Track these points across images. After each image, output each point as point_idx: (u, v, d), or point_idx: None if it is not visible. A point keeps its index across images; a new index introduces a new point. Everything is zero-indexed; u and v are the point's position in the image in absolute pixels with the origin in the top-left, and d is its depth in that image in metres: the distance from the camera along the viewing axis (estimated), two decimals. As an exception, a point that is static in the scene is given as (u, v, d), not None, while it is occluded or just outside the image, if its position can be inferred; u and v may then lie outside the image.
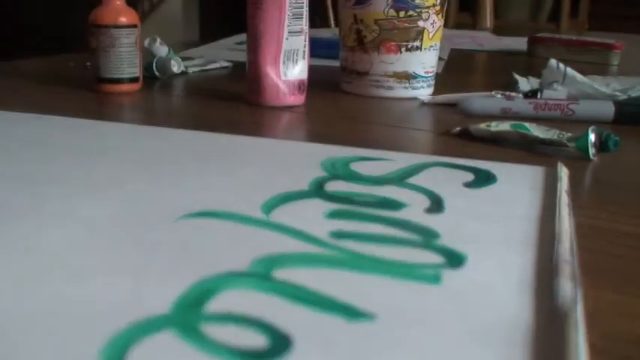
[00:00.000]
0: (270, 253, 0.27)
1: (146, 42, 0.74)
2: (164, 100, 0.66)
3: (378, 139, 0.51)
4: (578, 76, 0.65)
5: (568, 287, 0.24)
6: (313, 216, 0.32)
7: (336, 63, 0.74)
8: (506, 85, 0.71)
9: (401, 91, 0.67)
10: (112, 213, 0.32)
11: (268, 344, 0.21)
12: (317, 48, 0.85)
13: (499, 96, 0.61)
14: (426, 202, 0.35)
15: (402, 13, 0.65)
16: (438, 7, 0.66)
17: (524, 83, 0.70)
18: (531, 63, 1.03)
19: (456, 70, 0.91)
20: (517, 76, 0.72)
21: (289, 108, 0.61)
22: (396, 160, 0.42)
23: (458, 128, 0.52)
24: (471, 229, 0.31)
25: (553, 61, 0.67)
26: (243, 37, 0.75)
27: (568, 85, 0.65)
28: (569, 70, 0.65)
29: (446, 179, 0.39)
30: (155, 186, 0.36)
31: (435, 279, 0.26)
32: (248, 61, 0.61)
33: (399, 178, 0.38)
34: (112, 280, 0.25)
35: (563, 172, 0.39)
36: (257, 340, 0.21)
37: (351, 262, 0.27)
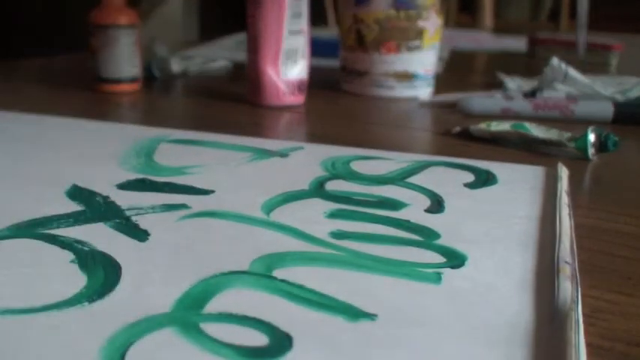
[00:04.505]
0: (270, 252, 0.27)
1: (146, 42, 0.74)
2: (164, 100, 0.66)
3: (378, 139, 0.51)
4: (579, 77, 0.65)
5: (568, 287, 0.24)
6: (314, 216, 0.32)
7: (336, 63, 0.74)
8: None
9: (401, 90, 0.67)
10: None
11: (268, 343, 0.21)
12: (317, 48, 0.85)
13: (499, 96, 0.61)
14: (426, 202, 0.35)
15: (402, 13, 0.65)
16: (437, 7, 0.67)
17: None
18: (531, 63, 1.03)
19: (456, 70, 0.91)
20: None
21: (289, 108, 0.61)
22: (396, 160, 0.42)
23: (458, 128, 0.52)
24: (471, 229, 0.31)
25: (555, 60, 0.67)
26: (243, 36, 0.75)
27: (569, 84, 0.65)
28: (570, 69, 0.65)
29: (446, 179, 0.39)
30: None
31: (436, 279, 0.26)
32: (248, 60, 0.61)
33: (399, 178, 0.38)
34: (112, 279, 0.25)
35: (563, 172, 0.39)
36: (257, 339, 0.21)
37: (351, 262, 0.27)
